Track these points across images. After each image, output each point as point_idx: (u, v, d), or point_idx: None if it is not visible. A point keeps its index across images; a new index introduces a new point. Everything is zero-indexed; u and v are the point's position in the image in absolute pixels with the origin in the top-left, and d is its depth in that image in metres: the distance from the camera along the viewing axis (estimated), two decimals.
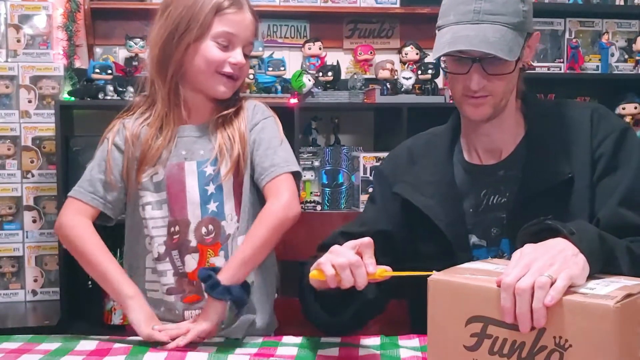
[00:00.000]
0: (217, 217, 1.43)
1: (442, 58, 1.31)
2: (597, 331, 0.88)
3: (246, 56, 1.43)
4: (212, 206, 1.43)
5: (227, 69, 1.40)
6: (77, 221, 1.41)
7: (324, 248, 1.21)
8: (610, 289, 0.93)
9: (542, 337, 0.92)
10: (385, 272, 1.09)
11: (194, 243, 1.43)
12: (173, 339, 1.26)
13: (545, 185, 1.28)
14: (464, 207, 1.36)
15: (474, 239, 1.36)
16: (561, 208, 1.26)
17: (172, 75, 1.41)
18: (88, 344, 1.28)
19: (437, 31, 1.30)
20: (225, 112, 1.45)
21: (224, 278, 1.30)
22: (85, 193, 1.43)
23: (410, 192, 1.38)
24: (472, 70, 1.26)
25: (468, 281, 0.97)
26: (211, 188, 1.43)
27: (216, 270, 1.32)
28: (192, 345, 1.26)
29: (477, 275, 0.99)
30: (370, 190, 2.81)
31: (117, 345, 1.28)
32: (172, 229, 1.43)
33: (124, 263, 1.51)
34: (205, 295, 1.34)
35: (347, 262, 1.07)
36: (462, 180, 1.39)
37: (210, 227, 1.43)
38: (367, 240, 1.11)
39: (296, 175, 1.43)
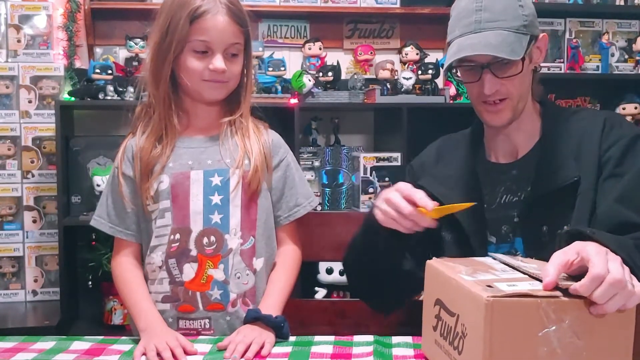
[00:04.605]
0: (220, 228, 1.42)
1: (455, 71, 1.38)
2: (477, 321, 0.92)
3: (234, 55, 1.43)
4: (216, 217, 1.42)
5: (208, 76, 1.41)
6: (119, 261, 1.49)
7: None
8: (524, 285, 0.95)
9: (457, 322, 0.99)
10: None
11: (194, 252, 1.42)
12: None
13: (552, 187, 1.32)
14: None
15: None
16: (567, 209, 1.30)
17: (164, 86, 1.43)
18: (82, 345, 1.28)
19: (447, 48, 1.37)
20: (231, 117, 1.47)
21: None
22: (116, 229, 1.48)
23: (434, 184, 1.42)
24: (483, 76, 1.32)
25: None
26: (216, 198, 1.43)
27: (258, 311, 1.35)
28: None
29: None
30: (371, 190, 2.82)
31: (112, 346, 1.28)
32: (173, 236, 1.42)
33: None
34: (200, 307, 1.42)
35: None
36: (480, 178, 1.44)
37: (212, 238, 1.42)
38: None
39: None
